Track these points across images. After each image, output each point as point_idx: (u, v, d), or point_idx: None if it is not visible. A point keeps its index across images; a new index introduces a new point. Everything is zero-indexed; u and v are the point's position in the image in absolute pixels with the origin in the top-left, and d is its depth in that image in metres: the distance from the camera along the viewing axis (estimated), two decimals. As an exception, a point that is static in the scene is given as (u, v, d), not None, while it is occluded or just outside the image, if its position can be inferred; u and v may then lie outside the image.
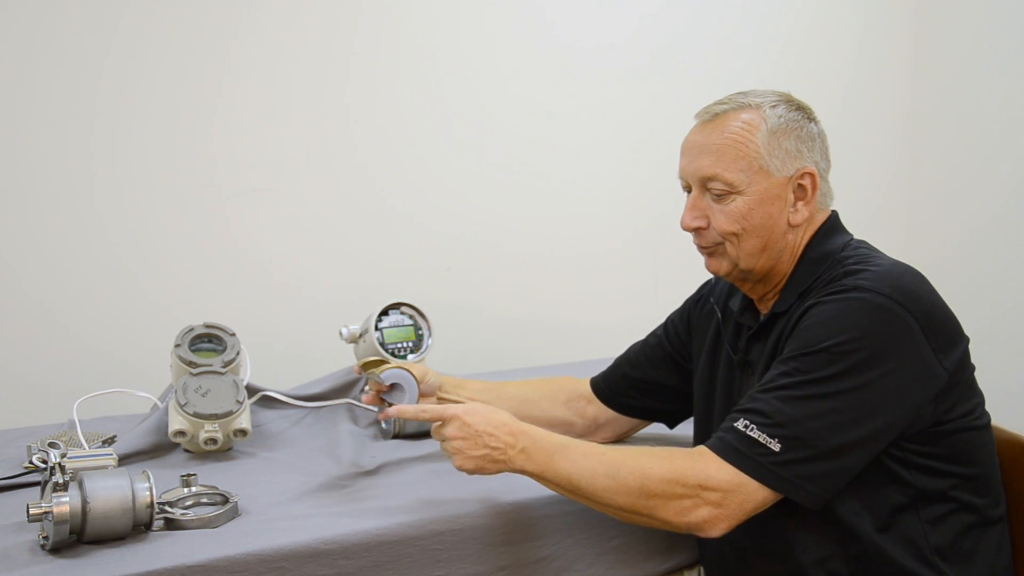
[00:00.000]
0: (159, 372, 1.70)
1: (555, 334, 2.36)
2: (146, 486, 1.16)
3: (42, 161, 1.88)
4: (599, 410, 1.54)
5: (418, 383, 1.40)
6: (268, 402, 1.72)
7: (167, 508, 1.22)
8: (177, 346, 1.56)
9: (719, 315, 1.42)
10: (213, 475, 1.41)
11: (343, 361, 1.82)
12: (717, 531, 1.14)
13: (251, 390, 1.68)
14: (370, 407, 1.48)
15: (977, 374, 1.24)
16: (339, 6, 2.09)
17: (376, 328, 1.67)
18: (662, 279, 2.48)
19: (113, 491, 1.13)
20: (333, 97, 2.11)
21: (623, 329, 1.82)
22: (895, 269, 1.20)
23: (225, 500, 1.26)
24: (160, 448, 1.55)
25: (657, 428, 1.61)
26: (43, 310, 1.91)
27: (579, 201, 2.38)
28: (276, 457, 1.54)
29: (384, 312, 1.70)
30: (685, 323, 1.50)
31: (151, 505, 1.15)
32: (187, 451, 1.56)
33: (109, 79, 1.92)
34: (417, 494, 1.32)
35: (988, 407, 1.26)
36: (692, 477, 1.13)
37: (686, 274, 1.67)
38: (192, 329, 1.59)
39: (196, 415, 1.48)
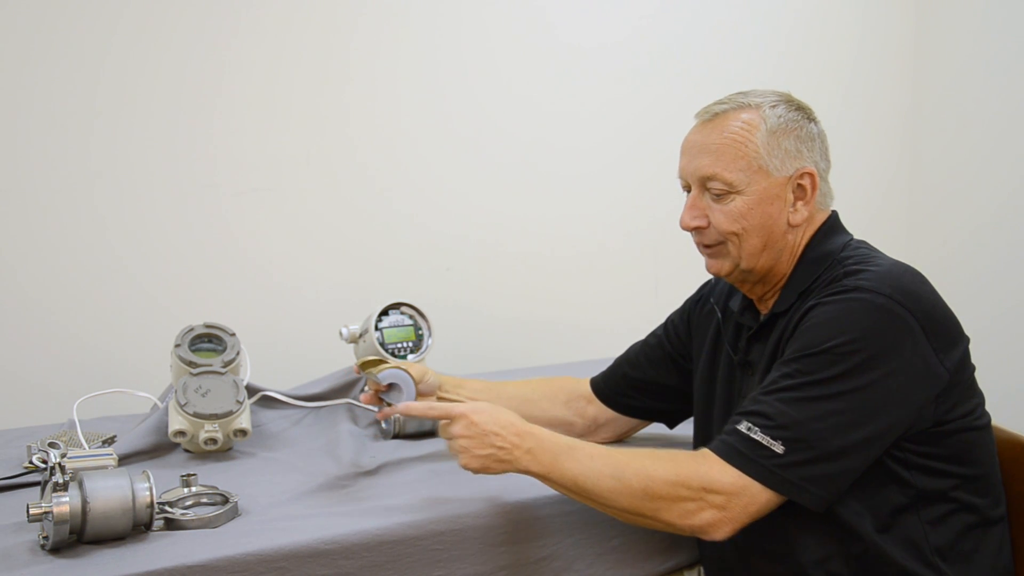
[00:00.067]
0: (159, 372, 1.70)
1: (555, 334, 2.36)
2: (146, 486, 1.16)
3: (42, 161, 1.88)
4: (599, 410, 1.54)
5: (416, 383, 1.40)
6: (268, 402, 1.73)
7: (167, 508, 1.22)
8: (177, 346, 1.56)
9: (719, 315, 1.42)
10: (213, 475, 1.41)
11: (343, 361, 1.82)
12: (721, 534, 1.14)
13: (251, 390, 1.68)
14: (369, 407, 1.48)
15: (977, 374, 1.24)
16: (339, 6, 2.09)
17: (376, 328, 1.67)
18: (662, 279, 2.48)
19: (113, 491, 1.13)
20: (333, 97, 2.11)
21: (623, 329, 1.82)
22: (895, 269, 1.20)
23: (225, 500, 1.26)
24: (160, 448, 1.55)
25: (657, 428, 1.61)
26: (43, 310, 1.91)
27: (579, 201, 2.38)
28: (276, 457, 1.54)
29: (384, 312, 1.70)
30: (685, 323, 1.50)
31: (151, 505, 1.15)
32: (187, 451, 1.56)
33: (109, 79, 1.92)
34: (417, 494, 1.32)
35: (988, 407, 1.26)
36: (696, 480, 1.13)
37: (686, 274, 1.67)
38: (192, 329, 1.59)
39: (196, 415, 1.48)
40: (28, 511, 1.10)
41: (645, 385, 1.52)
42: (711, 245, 1.30)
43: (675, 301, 1.56)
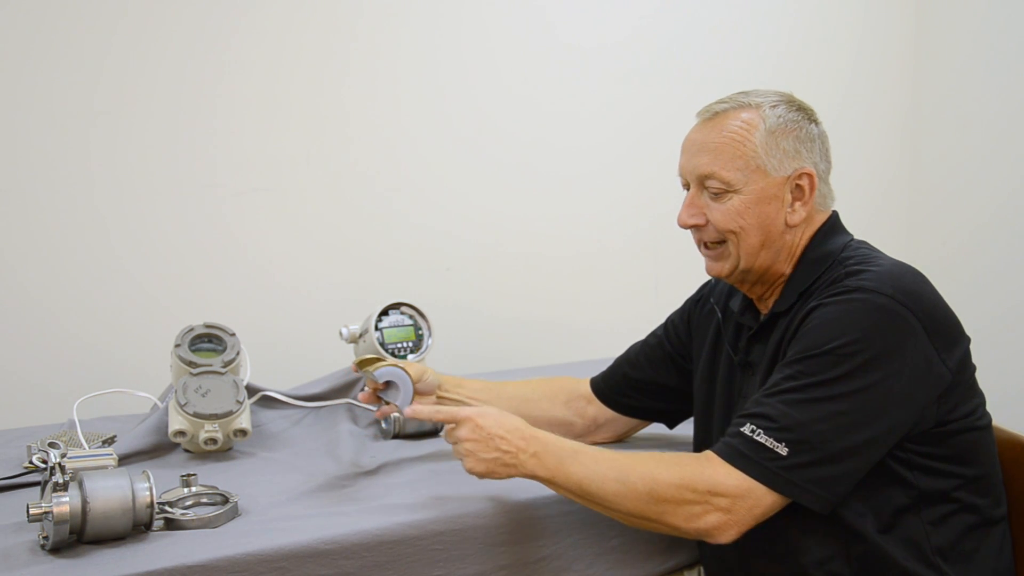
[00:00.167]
0: (159, 372, 1.70)
1: (555, 334, 2.36)
2: (146, 486, 1.16)
3: (42, 161, 1.88)
4: (599, 410, 1.54)
5: (414, 381, 1.40)
6: (268, 402, 1.72)
7: (167, 508, 1.22)
8: (177, 346, 1.56)
9: (719, 315, 1.42)
10: (213, 475, 1.41)
11: (343, 361, 1.82)
12: (727, 537, 1.14)
13: (251, 390, 1.68)
14: (368, 406, 1.48)
15: (977, 374, 1.24)
16: (339, 6, 2.09)
17: (376, 328, 1.67)
18: (662, 279, 2.48)
19: (113, 491, 1.13)
20: (333, 97, 2.11)
21: (623, 329, 1.82)
22: (896, 269, 1.20)
23: (225, 500, 1.26)
24: (160, 448, 1.55)
25: (657, 428, 1.61)
26: (43, 310, 1.91)
27: (579, 201, 2.38)
28: (276, 457, 1.54)
29: (384, 312, 1.70)
30: (685, 323, 1.50)
31: (151, 505, 1.15)
32: (187, 451, 1.56)
33: (109, 79, 1.92)
34: (417, 494, 1.32)
35: (988, 407, 1.26)
36: (701, 483, 1.13)
37: (686, 274, 1.67)
38: (192, 329, 1.59)
39: (196, 415, 1.48)
40: (28, 511, 1.10)
41: (645, 385, 1.52)
42: (711, 244, 1.30)
43: (675, 301, 1.56)
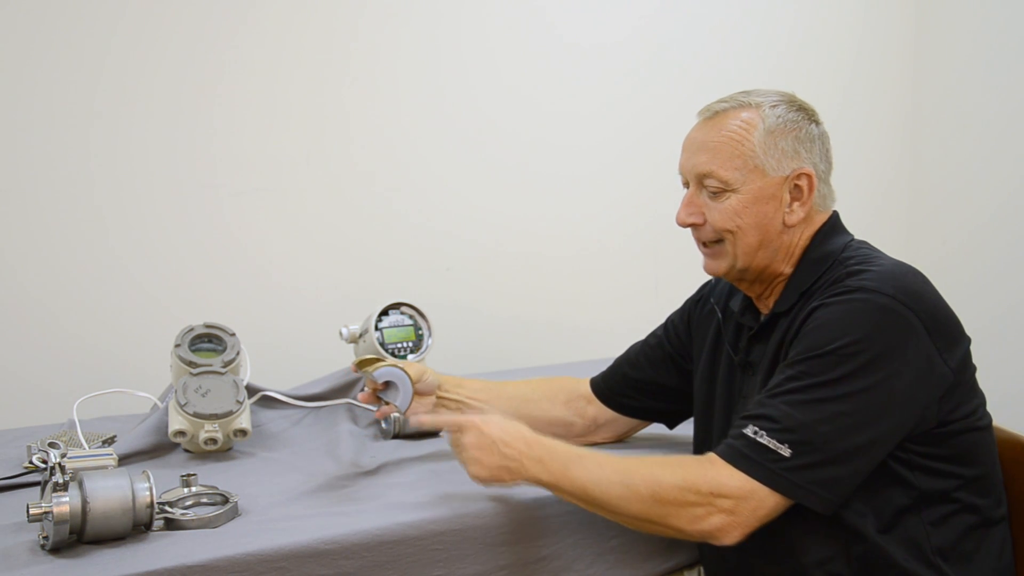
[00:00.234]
0: (159, 372, 1.70)
1: (555, 334, 2.36)
2: (146, 486, 1.16)
3: (42, 161, 1.88)
4: (599, 410, 1.54)
5: (414, 381, 1.40)
6: (268, 402, 1.72)
7: (167, 508, 1.22)
8: (177, 346, 1.56)
9: (719, 315, 1.42)
10: (213, 475, 1.41)
11: (343, 361, 1.82)
12: (730, 539, 1.14)
13: (251, 390, 1.68)
14: (367, 406, 1.48)
15: (977, 374, 1.24)
16: (339, 6, 2.09)
17: (376, 328, 1.67)
18: (662, 279, 2.48)
19: (113, 491, 1.13)
20: (333, 97, 2.11)
21: (623, 329, 1.82)
22: (897, 269, 1.20)
23: (225, 500, 1.26)
24: (160, 448, 1.55)
25: (657, 428, 1.61)
26: (43, 310, 1.91)
27: (579, 201, 2.38)
28: (276, 457, 1.54)
29: (384, 312, 1.70)
30: (685, 323, 1.50)
31: (151, 505, 1.15)
32: (187, 451, 1.56)
33: (109, 79, 1.92)
34: (417, 494, 1.32)
35: (988, 407, 1.26)
36: (704, 485, 1.13)
37: (686, 274, 1.67)
38: (192, 329, 1.59)
39: (196, 415, 1.48)
40: (28, 511, 1.10)
41: (645, 385, 1.52)
42: (710, 243, 1.30)
43: (675, 301, 1.56)
